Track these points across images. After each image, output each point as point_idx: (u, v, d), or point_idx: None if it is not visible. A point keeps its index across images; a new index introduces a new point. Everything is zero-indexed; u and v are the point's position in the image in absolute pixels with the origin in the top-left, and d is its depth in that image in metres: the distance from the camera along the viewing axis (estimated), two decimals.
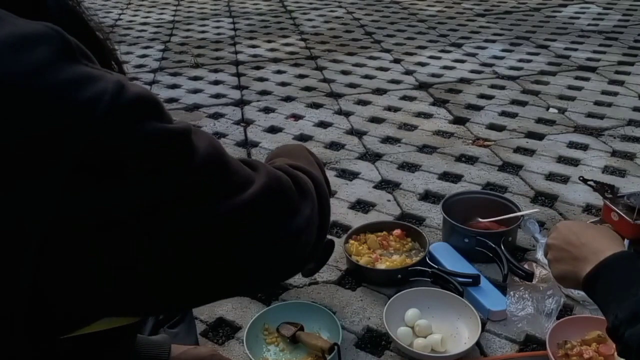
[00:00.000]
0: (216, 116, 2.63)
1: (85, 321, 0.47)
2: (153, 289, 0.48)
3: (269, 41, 3.79)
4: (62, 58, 0.41)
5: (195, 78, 3.15)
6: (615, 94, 2.66)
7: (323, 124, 2.48)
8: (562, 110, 2.51)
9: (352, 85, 2.92)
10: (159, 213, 0.44)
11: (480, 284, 1.39)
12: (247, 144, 2.34)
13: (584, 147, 2.17)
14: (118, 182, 0.41)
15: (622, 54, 3.19)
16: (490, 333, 1.30)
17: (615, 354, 0.95)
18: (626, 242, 1.55)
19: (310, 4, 4.84)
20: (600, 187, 1.69)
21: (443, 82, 2.92)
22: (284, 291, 1.46)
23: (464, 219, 1.59)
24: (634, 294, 0.75)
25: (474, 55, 3.31)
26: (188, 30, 4.19)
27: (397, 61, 3.26)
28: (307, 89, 2.91)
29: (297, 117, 2.57)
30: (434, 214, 1.76)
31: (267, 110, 2.67)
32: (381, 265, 1.48)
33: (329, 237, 0.96)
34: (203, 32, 4.12)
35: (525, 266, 1.43)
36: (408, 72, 3.08)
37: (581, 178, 1.78)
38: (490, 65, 3.13)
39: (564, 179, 1.95)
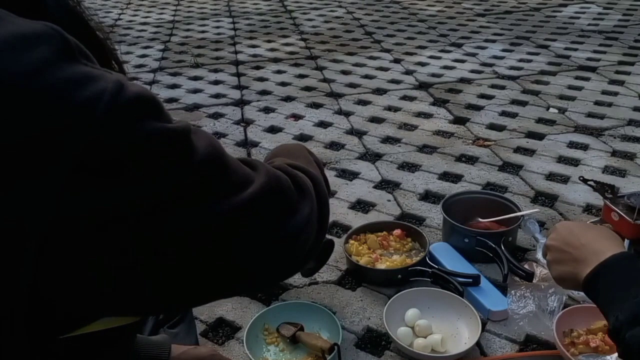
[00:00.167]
0: (216, 116, 2.63)
1: (85, 321, 0.47)
2: (153, 289, 0.47)
3: (269, 41, 3.79)
4: (62, 58, 0.41)
5: (195, 78, 3.15)
6: (616, 93, 2.66)
7: (323, 124, 2.48)
8: (562, 110, 2.51)
9: (352, 85, 2.92)
10: (159, 212, 0.44)
11: (480, 284, 1.39)
12: (247, 143, 2.34)
13: (584, 147, 2.17)
14: (118, 182, 0.41)
15: (623, 54, 3.19)
16: (490, 333, 1.30)
17: None
18: (626, 242, 1.55)
19: (310, 3, 4.84)
20: (600, 187, 1.69)
21: (443, 82, 2.92)
22: (284, 291, 1.46)
23: (464, 219, 1.59)
24: (634, 295, 0.75)
25: (474, 55, 3.31)
26: (188, 30, 4.19)
27: (397, 61, 3.26)
28: (307, 88, 2.91)
29: (297, 117, 2.57)
30: (434, 214, 1.76)
31: (267, 110, 2.66)
32: (381, 265, 1.48)
33: (328, 237, 0.96)
34: (203, 32, 4.12)
35: (526, 266, 1.43)
36: (408, 72, 3.08)
37: (581, 178, 1.78)
38: (491, 65, 3.13)
39: (564, 179, 1.95)
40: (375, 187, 1.95)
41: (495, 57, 3.26)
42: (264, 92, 2.88)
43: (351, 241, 1.56)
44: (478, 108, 2.57)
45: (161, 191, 0.44)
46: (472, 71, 3.05)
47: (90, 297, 0.45)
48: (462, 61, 3.21)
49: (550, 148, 2.17)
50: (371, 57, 3.34)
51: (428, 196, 1.89)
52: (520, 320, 1.30)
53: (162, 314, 1.03)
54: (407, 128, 2.42)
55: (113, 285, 0.45)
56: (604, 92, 2.68)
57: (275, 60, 3.38)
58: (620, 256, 0.81)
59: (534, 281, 1.40)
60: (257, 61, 3.39)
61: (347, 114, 2.57)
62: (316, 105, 2.68)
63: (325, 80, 3.01)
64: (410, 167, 2.09)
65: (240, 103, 2.77)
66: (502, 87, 2.80)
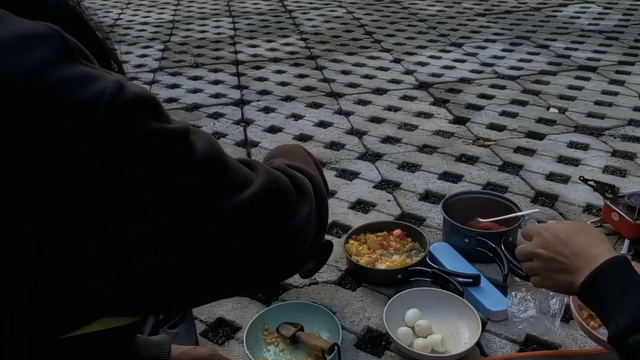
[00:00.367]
0: (216, 116, 2.62)
1: (85, 321, 0.47)
2: (153, 289, 0.47)
3: (269, 41, 3.79)
4: (61, 58, 0.40)
5: (195, 78, 3.14)
6: (616, 93, 2.66)
7: (323, 124, 2.48)
8: (562, 110, 2.50)
9: (352, 85, 2.92)
10: (159, 213, 0.44)
11: (480, 284, 1.39)
12: (247, 143, 2.34)
13: (585, 147, 2.17)
14: (118, 182, 0.41)
15: (623, 54, 3.19)
16: (490, 333, 1.30)
17: None
18: (627, 242, 1.55)
19: (310, 3, 4.84)
20: (600, 187, 1.69)
21: (443, 81, 2.92)
22: (284, 291, 1.45)
23: (464, 219, 1.59)
24: (633, 299, 0.74)
25: (474, 55, 3.31)
26: (188, 29, 4.19)
27: (397, 61, 3.26)
28: (307, 88, 2.91)
29: (297, 117, 2.57)
30: (434, 214, 1.76)
31: (267, 110, 2.66)
32: (381, 266, 1.47)
33: (327, 238, 0.96)
34: (203, 31, 4.11)
35: None
36: (408, 72, 3.07)
37: (581, 178, 1.78)
38: (491, 65, 3.13)
39: (565, 179, 1.95)
40: (375, 187, 1.95)
41: (495, 57, 3.26)
42: (264, 92, 2.88)
43: (351, 241, 1.56)
44: (478, 108, 2.57)
45: (161, 191, 0.44)
46: (472, 71, 3.05)
47: (90, 297, 0.45)
48: (462, 61, 3.21)
49: (551, 148, 2.17)
50: (371, 57, 3.34)
51: (428, 196, 1.89)
52: (521, 324, 1.30)
53: (162, 314, 1.03)
54: (407, 128, 2.41)
55: (113, 285, 0.45)
56: (604, 92, 2.68)
57: (275, 60, 3.38)
58: (614, 261, 0.80)
59: None
60: (257, 61, 3.39)
61: (347, 114, 2.57)
62: (316, 105, 2.68)
63: (325, 80, 3.01)
64: (410, 167, 2.09)
65: (240, 103, 2.77)
66: (502, 87, 2.80)
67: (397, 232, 1.58)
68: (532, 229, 0.95)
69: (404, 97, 2.74)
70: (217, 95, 2.87)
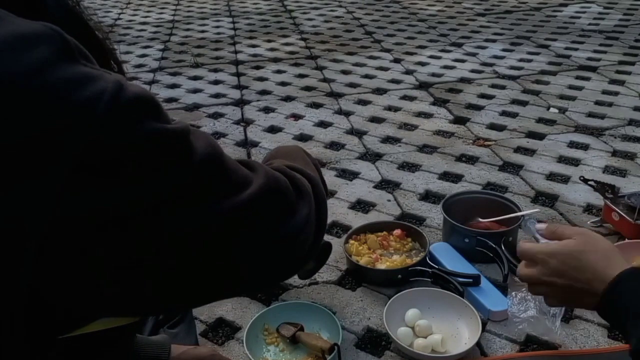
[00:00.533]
0: (216, 116, 2.62)
1: (85, 321, 0.47)
2: (153, 289, 0.47)
3: (269, 41, 3.79)
4: (61, 58, 0.40)
5: (195, 78, 3.14)
6: (616, 93, 2.65)
7: (323, 124, 2.48)
8: (562, 110, 2.50)
9: (352, 85, 2.92)
10: (159, 213, 0.44)
11: (480, 284, 1.39)
12: (247, 143, 2.33)
13: (585, 147, 2.17)
14: (118, 182, 0.41)
15: (623, 54, 3.19)
16: (490, 333, 1.30)
17: None
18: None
19: (310, 3, 4.84)
20: (600, 187, 1.69)
21: (443, 81, 2.92)
22: (284, 291, 1.45)
23: (464, 219, 1.59)
24: None
25: (474, 54, 3.31)
26: (188, 29, 4.18)
27: (397, 61, 3.26)
28: (307, 88, 2.91)
29: (297, 116, 2.57)
30: (434, 214, 1.75)
31: (267, 110, 2.66)
32: (381, 266, 1.47)
33: (327, 238, 0.96)
34: (203, 31, 4.11)
35: None
36: (408, 72, 3.07)
37: (582, 178, 1.78)
38: (491, 64, 3.13)
39: (565, 179, 1.95)
40: (375, 187, 1.95)
41: (495, 56, 3.26)
42: (263, 92, 2.88)
43: (351, 241, 1.56)
44: (478, 108, 2.57)
45: (161, 191, 0.44)
46: (473, 71, 3.05)
47: (90, 297, 0.45)
48: (463, 61, 3.21)
49: (551, 148, 2.17)
50: (371, 57, 3.34)
51: (428, 196, 1.89)
52: (521, 324, 1.29)
53: (162, 314, 1.03)
54: (407, 128, 2.41)
55: (113, 285, 0.45)
56: (604, 92, 2.67)
57: (275, 60, 3.38)
58: (628, 274, 0.77)
59: None
60: (257, 61, 3.38)
61: (347, 114, 2.57)
62: (316, 105, 2.68)
63: (325, 80, 3.01)
64: (410, 167, 2.09)
65: (240, 103, 2.77)
66: (503, 87, 2.80)
67: (397, 232, 1.58)
68: (531, 255, 0.88)
69: (404, 97, 2.74)
70: (217, 95, 2.87)
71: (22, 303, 0.41)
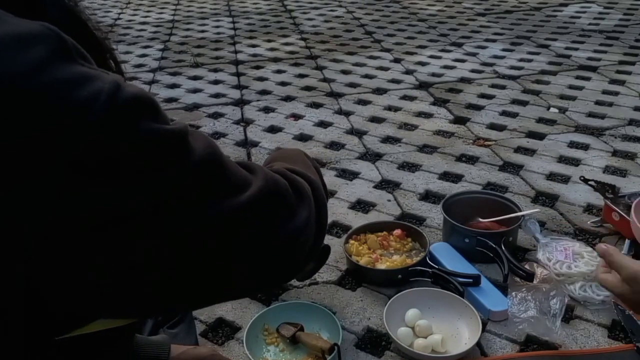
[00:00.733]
0: (216, 116, 2.62)
1: (84, 321, 0.47)
2: (152, 290, 0.47)
3: (269, 40, 3.79)
4: (58, 58, 0.40)
5: (195, 77, 3.14)
6: (616, 93, 2.65)
7: (323, 124, 2.48)
8: (562, 110, 2.50)
9: (352, 85, 2.92)
10: (158, 213, 0.44)
11: (480, 284, 1.39)
12: (246, 143, 2.33)
13: (585, 147, 2.17)
14: (116, 182, 0.41)
15: (623, 54, 3.19)
16: (490, 333, 1.30)
17: None
18: (627, 242, 1.55)
19: (310, 3, 4.84)
20: (601, 187, 1.69)
21: (443, 81, 2.92)
22: (284, 291, 1.45)
23: (465, 219, 1.59)
24: None
25: (474, 54, 3.31)
26: (188, 29, 4.18)
27: (397, 61, 3.26)
28: (307, 88, 2.90)
29: (297, 116, 2.56)
30: (435, 214, 1.75)
31: (266, 109, 2.66)
32: (381, 266, 1.47)
33: (326, 239, 0.96)
34: (203, 31, 4.11)
35: (526, 266, 1.42)
36: (408, 72, 3.07)
37: (582, 178, 1.78)
38: (491, 64, 3.13)
39: (565, 179, 1.95)
40: (375, 187, 1.95)
41: (495, 56, 3.25)
42: (263, 92, 2.88)
43: (351, 241, 1.56)
44: (478, 108, 2.57)
45: (160, 191, 0.43)
46: (473, 71, 3.05)
47: (89, 297, 0.45)
48: (463, 61, 3.21)
49: (551, 148, 2.17)
50: (371, 57, 3.34)
51: (428, 196, 1.89)
52: (521, 324, 1.30)
53: (162, 316, 1.03)
54: (407, 128, 2.41)
55: (112, 285, 0.45)
56: (604, 92, 2.67)
57: (275, 60, 3.38)
58: None
59: (535, 282, 1.39)
60: (257, 61, 3.38)
61: (347, 114, 2.56)
62: (316, 105, 2.68)
63: (325, 80, 3.01)
64: (410, 167, 2.08)
65: (240, 103, 2.76)
66: (503, 87, 2.80)
67: (397, 232, 1.58)
68: (622, 268, 0.93)
69: (404, 97, 2.74)
70: (217, 95, 2.87)
71: (20, 303, 0.41)
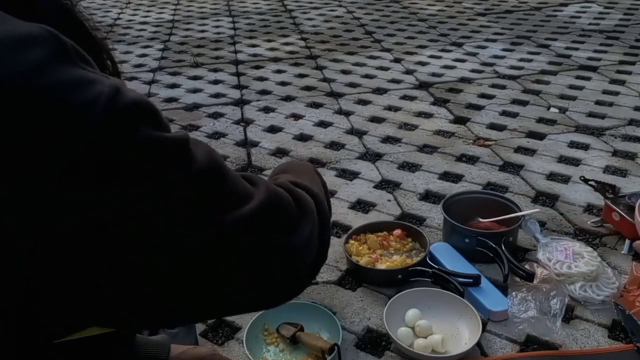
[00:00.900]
0: (216, 116, 2.62)
1: (77, 328, 0.46)
2: (146, 301, 0.46)
3: (269, 40, 3.79)
4: (57, 60, 0.40)
5: (195, 77, 3.14)
6: (617, 93, 2.65)
7: (323, 124, 2.48)
8: (563, 110, 2.50)
9: (352, 85, 2.91)
10: (154, 221, 0.43)
11: (480, 284, 1.39)
12: (246, 143, 2.33)
13: (585, 147, 2.17)
14: (112, 187, 0.40)
15: (624, 54, 3.18)
16: (491, 333, 1.30)
17: None
18: (627, 242, 1.55)
19: (310, 3, 4.84)
20: (601, 187, 1.69)
21: (443, 81, 2.92)
22: None
23: (465, 219, 1.59)
24: None
25: (474, 54, 3.31)
26: (187, 29, 4.18)
27: (397, 60, 3.26)
28: (307, 88, 2.90)
29: (297, 116, 2.56)
30: (435, 214, 1.75)
31: (266, 109, 2.66)
32: (381, 266, 1.47)
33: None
34: (203, 31, 4.11)
35: (526, 266, 1.42)
36: (408, 72, 3.07)
37: (582, 178, 1.77)
38: (491, 64, 3.13)
39: (565, 179, 1.94)
40: (375, 187, 1.95)
41: (495, 56, 3.25)
42: (263, 92, 2.87)
43: (351, 241, 1.56)
44: (478, 108, 2.57)
45: (157, 200, 0.42)
46: (473, 71, 3.04)
47: (83, 303, 0.44)
48: (463, 61, 3.21)
49: (551, 148, 2.17)
50: (371, 57, 3.34)
51: (428, 196, 1.89)
52: (521, 324, 1.29)
53: (158, 327, 1.01)
54: (407, 128, 2.41)
55: (104, 294, 0.43)
56: (604, 92, 2.67)
57: (275, 60, 3.38)
58: None
59: (535, 282, 1.39)
60: (257, 61, 3.38)
61: (347, 114, 2.56)
62: (316, 105, 2.68)
63: (325, 79, 3.00)
64: (410, 167, 2.08)
65: (240, 103, 2.76)
66: (503, 87, 2.80)
67: (397, 232, 1.58)
68: None
69: (404, 97, 2.74)
70: (216, 95, 2.87)
71: (14, 306, 0.41)
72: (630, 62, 3.05)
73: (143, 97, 0.43)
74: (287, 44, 3.70)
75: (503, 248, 1.45)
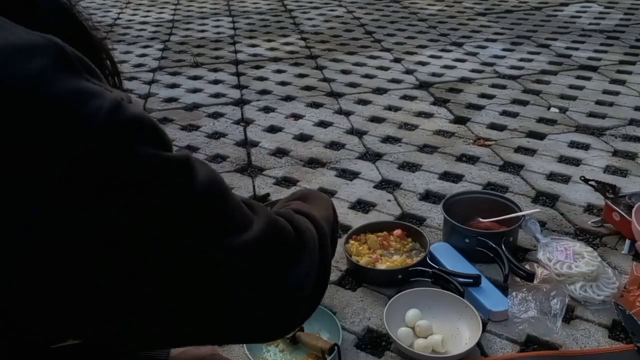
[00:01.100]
0: (216, 115, 2.62)
1: (66, 337, 0.46)
2: (131, 323, 0.44)
3: (269, 40, 3.79)
4: (58, 70, 0.39)
5: (195, 77, 3.14)
6: (617, 93, 2.65)
7: (323, 124, 2.48)
8: (563, 110, 2.50)
9: (352, 85, 2.91)
10: (147, 240, 0.41)
11: (481, 285, 1.38)
12: (246, 143, 2.33)
13: (585, 147, 2.16)
14: (104, 202, 0.39)
15: (624, 54, 3.18)
16: (491, 333, 1.29)
17: None
18: (627, 242, 1.55)
19: (310, 2, 4.84)
20: (601, 187, 1.69)
21: (444, 81, 2.92)
22: None
23: (465, 219, 1.59)
24: None
25: (474, 54, 3.30)
26: (187, 29, 4.18)
27: (397, 60, 3.26)
28: (307, 88, 2.90)
29: (297, 116, 2.56)
30: (435, 214, 1.75)
31: (266, 109, 2.66)
32: (381, 266, 1.47)
33: None
34: (202, 31, 4.11)
35: (526, 266, 1.42)
36: (408, 72, 3.07)
37: (582, 178, 1.77)
38: (491, 64, 3.13)
39: (565, 179, 1.94)
40: (375, 187, 1.95)
41: (496, 56, 3.25)
42: (263, 92, 2.87)
43: (351, 241, 1.56)
44: (479, 108, 2.56)
45: (151, 218, 0.41)
46: (473, 70, 3.04)
47: (67, 319, 0.42)
48: (463, 60, 3.21)
49: (551, 148, 2.17)
50: (371, 57, 3.34)
51: (428, 196, 1.88)
52: (521, 324, 1.29)
53: (142, 349, 0.97)
54: (407, 128, 2.41)
55: (86, 312, 0.42)
56: (605, 92, 2.67)
57: (275, 60, 3.38)
58: None
59: (535, 282, 1.39)
60: (257, 60, 3.38)
61: (347, 114, 2.56)
62: (316, 105, 2.68)
63: (325, 79, 3.00)
64: (410, 167, 2.08)
65: (240, 102, 2.76)
66: (503, 87, 2.79)
67: (398, 232, 1.58)
68: None
69: (404, 97, 2.73)
70: (216, 95, 2.87)
71: (5, 311, 0.40)
72: (630, 62, 3.05)
73: (145, 114, 0.42)
74: (287, 43, 3.70)
75: (503, 248, 1.45)
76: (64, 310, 0.41)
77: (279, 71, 3.17)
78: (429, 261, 1.45)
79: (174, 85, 3.04)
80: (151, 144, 0.41)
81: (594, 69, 2.97)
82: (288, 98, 2.78)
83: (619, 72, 2.91)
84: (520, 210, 1.58)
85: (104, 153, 0.39)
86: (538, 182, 1.92)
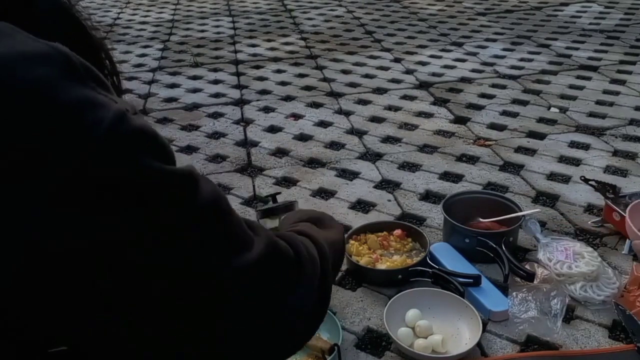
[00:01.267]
0: (215, 115, 2.62)
1: (63, 340, 0.45)
2: (127, 324, 0.43)
3: (269, 40, 3.78)
4: (64, 78, 0.39)
5: (195, 77, 3.14)
6: (617, 93, 2.65)
7: (323, 124, 2.48)
8: (563, 110, 2.50)
9: (352, 85, 2.91)
10: (141, 253, 0.41)
11: (481, 285, 1.38)
12: (246, 143, 2.33)
13: (586, 147, 2.16)
14: (103, 212, 0.39)
15: (624, 53, 3.18)
16: (491, 334, 1.29)
17: None
18: (627, 242, 1.55)
19: (310, 2, 4.83)
20: (601, 187, 1.69)
21: (444, 81, 2.91)
22: None
23: (465, 219, 1.58)
24: None
25: (474, 54, 3.30)
26: (187, 29, 4.18)
27: (397, 60, 3.26)
28: (307, 88, 2.90)
29: (297, 116, 2.56)
30: (435, 214, 1.75)
31: (266, 109, 2.66)
32: (381, 266, 1.47)
33: None
34: (202, 31, 4.11)
35: (527, 266, 1.42)
36: (408, 72, 3.07)
37: (583, 178, 1.77)
38: (491, 64, 3.12)
39: (566, 179, 1.94)
40: (375, 187, 1.95)
41: (496, 56, 3.25)
42: (263, 92, 2.87)
43: (351, 241, 1.56)
44: (479, 107, 2.56)
45: (147, 231, 0.41)
46: (473, 70, 3.04)
47: (64, 321, 0.42)
48: (463, 60, 3.20)
49: (552, 148, 2.17)
50: (371, 57, 3.34)
51: (428, 196, 1.88)
52: (522, 324, 1.29)
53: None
54: (407, 128, 2.41)
55: (77, 321, 0.42)
56: (605, 92, 2.67)
57: (275, 60, 3.38)
58: None
59: (535, 282, 1.39)
60: (257, 60, 3.38)
61: (347, 114, 2.56)
62: (316, 105, 2.68)
63: (325, 79, 3.00)
64: (410, 166, 2.08)
65: (240, 102, 2.76)
66: (503, 87, 2.79)
67: (398, 232, 1.58)
68: None
69: (405, 97, 2.73)
70: (216, 95, 2.87)
71: (5, 312, 0.40)
72: (630, 61, 3.05)
73: (148, 127, 0.42)
74: (287, 43, 3.70)
75: (503, 248, 1.45)
76: (63, 309, 0.41)
77: (279, 71, 3.17)
78: (429, 261, 1.45)
79: (173, 85, 3.04)
80: (153, 156, 0.41)
81: (594, 68, 2.97)
82: (288, 98, 2.78)
83: (619, 72, 2.91)
84: (521, 210, 1.58)
85: (106, 162, 0.39)
86: (538, 182, 1.92)
